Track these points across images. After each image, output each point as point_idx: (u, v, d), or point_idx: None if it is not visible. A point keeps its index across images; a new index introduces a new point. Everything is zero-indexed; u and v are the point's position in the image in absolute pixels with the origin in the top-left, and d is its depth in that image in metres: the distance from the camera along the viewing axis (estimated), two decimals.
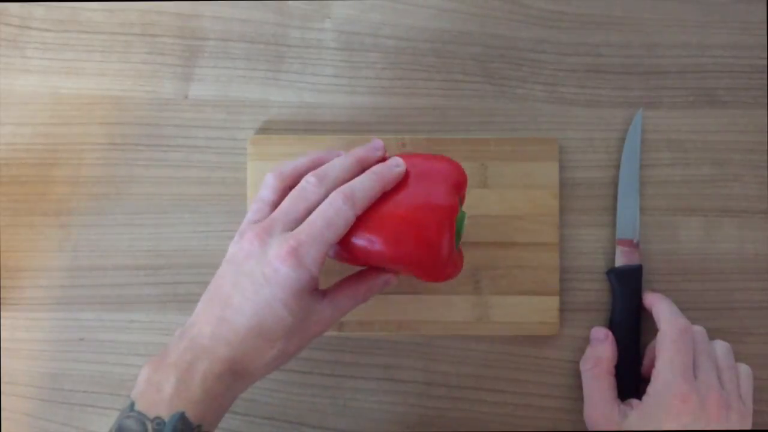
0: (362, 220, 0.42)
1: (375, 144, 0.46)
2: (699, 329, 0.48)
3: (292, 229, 0.41)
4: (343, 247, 0.43)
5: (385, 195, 0.43)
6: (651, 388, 0.46)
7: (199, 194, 0.53)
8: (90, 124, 0.53)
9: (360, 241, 0.42)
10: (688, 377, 0.45)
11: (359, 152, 0.45)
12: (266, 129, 0.53)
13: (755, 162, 0.53)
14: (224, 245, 0.52)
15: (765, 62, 0.53)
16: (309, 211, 0.42)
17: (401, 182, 0.43)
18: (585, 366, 0.50)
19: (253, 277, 0.41)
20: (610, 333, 0.50)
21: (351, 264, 0.46)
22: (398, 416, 0.52)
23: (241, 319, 0.41)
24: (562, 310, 0.52)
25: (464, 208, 0.50)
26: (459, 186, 0.44)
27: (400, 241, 0.42)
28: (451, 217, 0.42)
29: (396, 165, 0.43)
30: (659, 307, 0.49)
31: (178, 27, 0.54)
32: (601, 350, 0.50)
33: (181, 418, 0.39)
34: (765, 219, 0.53)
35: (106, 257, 0.53)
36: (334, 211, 0.41)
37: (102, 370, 0.52)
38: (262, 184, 0.45)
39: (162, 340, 0.52)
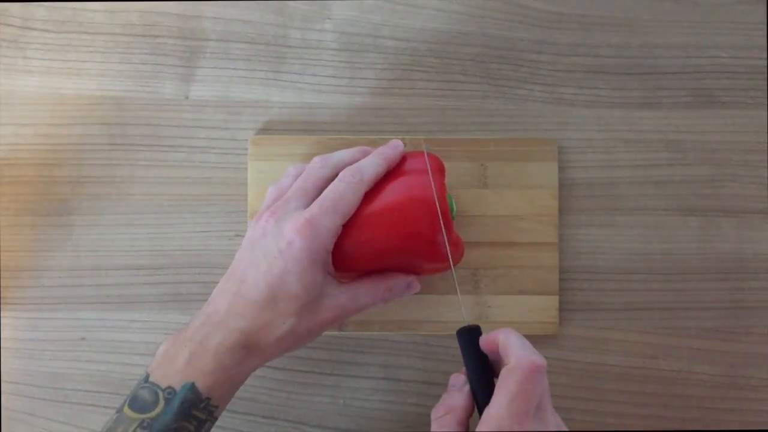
0: (355, 224, 0.43)
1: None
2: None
3: (305, 205, 0.43)
4: (352, 258, 0.44)
5: (373, 196, 0.44)
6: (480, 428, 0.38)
7: (200, 194, 0.53)
8: (91, 124, 0.53)
9: (361, 240, 0.44)
10: (524, 424, 0.37)
11: (362, 147, 0.48)
12: (267, 129, 0.53)
13: (753, 162, 0.53)
14: (225, 245, 0.53)
15: (763, 63, 0.54)
16: (318, 188, 0.44)
17: (386, 181, 0.45)
18: (435, 414, 0.41)
19: (267, 252, 0.42)
20: (468, 383, 0.42)
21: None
22: (398, 415, 0.52)
23: (254, 293, 0.42)
24: (562, 309, 0.52)
25: (464, 207, 0.51)
26: (440, 172, 0.46)
27: (395, 227, 0.44)
28: (431, 201, 0.44)
29: (396, 146, 0.46)
30: (509, 340, 0.40)
31: (179, 28, 0.54)
32: (457, 398, 0.41)
33: (192, 388, 0.40)
34: (763, 219, 0.53)
35: (107, 257, 0.53)
36: (345, 184, 0.43)
37: (103, 369, 0.52)
38: (284, 175, 0.47)
39: (163, 340, 0.52)
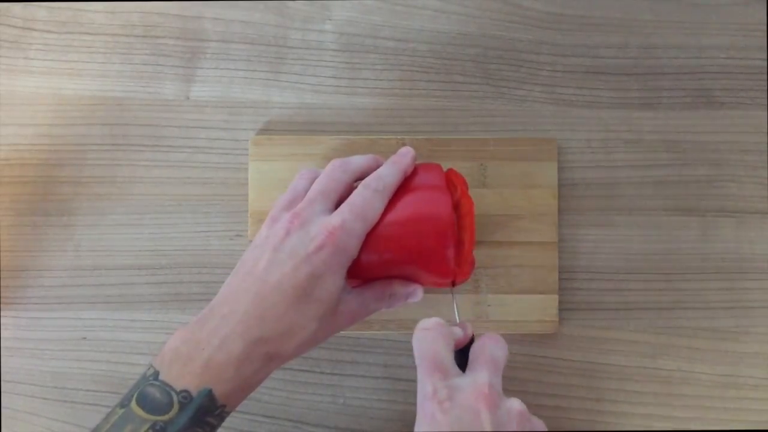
0: (371, 236, 0.43)
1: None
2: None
3: (329, 209, 0.43)
4: (362, 266, 0.44)
5: (387, 210, 0.44)
6: None
7: (201, 194, 0.53)
8: (92, 125, 0.54)
9: (372, 249, 0.43)
10: (434, 376, 0.39)
11: (375, 156, 0.48)
12: (267, 129, 0.54)
13: (752, 162, 0.53)
14: (226, 245, 0.53)
15: (763, 63, 0.54)
16: (339, 192, 0.44)
17: (400, 193, 0.45)
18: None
19: (293, 254, 0.41)
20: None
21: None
22: (398, 414, 0.52)
23: (278, 296, 0.40)
24: (561, 309, 0.52)
25: None
26: (454, 184, 0.46)
27: (406, 240, 0.43)
28: (449, 218, 0.43)
29: (407, 152, 0.46)
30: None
31: (180, 28, 0.54)
32: None
33: (209, 395, 0.39)
34: (762, 219, 0.53)
35: (108, 257, 0.53)
36: (371, 192, 0.43)
37: (104, 369, 0.52)
38: (296, 177, 0.46)
39: (164, 340, 0.52)
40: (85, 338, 0.53)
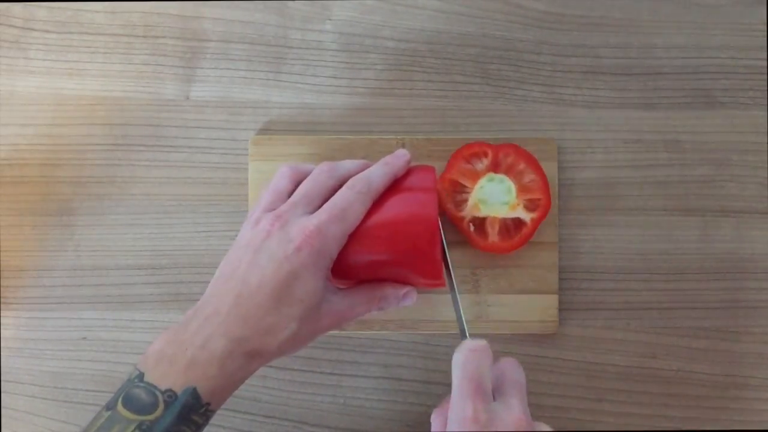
0: (355, 235, 0.43)
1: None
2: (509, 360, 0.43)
3: (310, 213, 0.43)
4: (349, 268, 0.44)
5: (375, 208, 0.44)
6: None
7: (201, 194, 0.53)
8: (92, 124, 0.54)
9: (359, 250, 0.43)
10: (476, 400, 0.39)
11: (366, 161, 0.47)
12: (267, 129, 0.54)
13: (753, 162, 0.53)
14: (226, 245, 0.53)
15: (763, 63, 0.54)
16: (323, 197, 0.44)
17: (389, 194, 0.44)
18: (435, 416, 0.43)
19: (273, 255, 0.42)
20: None
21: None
22: (398, 415, 0.52)
23: (259, 296, 0.41)
24: (561, 309, 0.52)
25: None
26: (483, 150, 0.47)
27: (395, 242, 0.43)
28: (434, 219, 0.43)
29: (401, 155, 0.46)
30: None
31: (180, 28, 0.54)
32: None
33: (193, 393, 0.40)
34: (762, 219, 0.53)
35: (108, 257, 0.53)
36: (354, 194, 0.43)
37: (104, 369, 0.52)
38: (276, 175, 0.46)
39: None
40: (84, 338, 0.53)
